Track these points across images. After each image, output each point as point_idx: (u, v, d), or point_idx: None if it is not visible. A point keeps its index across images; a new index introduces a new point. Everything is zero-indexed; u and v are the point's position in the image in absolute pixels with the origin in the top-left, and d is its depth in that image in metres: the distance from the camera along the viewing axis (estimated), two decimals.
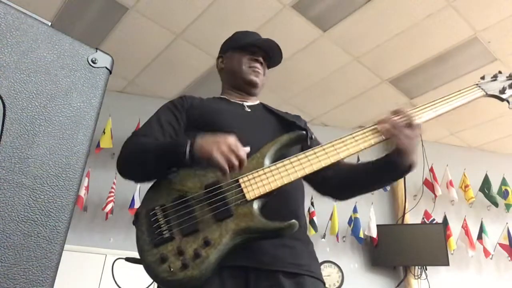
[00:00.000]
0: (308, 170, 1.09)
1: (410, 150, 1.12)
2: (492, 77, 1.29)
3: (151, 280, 1.00)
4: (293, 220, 1.00)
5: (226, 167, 0.97)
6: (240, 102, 1.36)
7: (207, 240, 0.98)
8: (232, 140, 1.00)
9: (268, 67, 1.43)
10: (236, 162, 0.99)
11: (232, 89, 1.40)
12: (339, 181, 1.27)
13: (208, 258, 0.96)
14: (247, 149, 1.03)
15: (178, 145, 1.04)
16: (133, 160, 1.16)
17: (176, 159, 1.05)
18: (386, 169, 1.19)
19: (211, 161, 0.98)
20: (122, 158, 1.17)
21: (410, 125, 1.12)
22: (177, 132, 1.24)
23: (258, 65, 1.36)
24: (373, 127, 1.16)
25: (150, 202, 1.08)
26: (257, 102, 1.41)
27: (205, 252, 0.96)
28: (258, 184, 1.06)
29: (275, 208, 1.08)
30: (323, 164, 1.09)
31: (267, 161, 1.11)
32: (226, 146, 0.99)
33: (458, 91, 1.23)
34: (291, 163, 1.09)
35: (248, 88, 1.37)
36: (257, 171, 1.08)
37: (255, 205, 1.03)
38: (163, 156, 1.08)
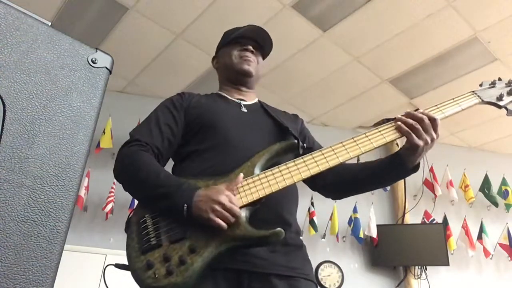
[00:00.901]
0: (296, 178, 1.09)
1: (422, 152, 1.11)
2: (490, 84, 1.27)
3: None
4: (278, 229, 1.00)
5: (224, 227, 0.99)
6: (237, 100, 1.35)
7: (192, 248, 0.99)
8: (224, 198, 1.00)
9: (263, 57, 1.42)
10: (231, 220, 1.00)
11: (228, 83, 1.40)
12: (337, 181, 1.27)
13: (193, 265, 0.96)
14: (237, 208, 1.02)
15: (176, 206, 1.02)
16: (129, 185, 1.15)
17: (172, 214, 1.04)
18: (393, 167, 1.17)
19: (209, 223, 0.99)
20: (118, 173, 1.17)
21: (433, 124, 1.10)
22: (175, 134, 1.24)
23: (248, 53, 1.35)
24: (358, 137, 1.13)
25: (141, 210, 1.09)
26: (255, 100, 1.40)
27: (190, 259, 0.97)
28: (246, 192, 1.06)
29: (265, 216, 1.08)
30: (312, 172, 1.09)
31: (257, 170, 1.11)
32: (220, 205, 1.00)
33: (452, 99, 1.20)
34: (280, 171, 1.09)
35: (243, 78, 1.36)
36: (246, 180, 1.08)
37: (243, 214, 1.03)
38: (158, 203, 1.06)
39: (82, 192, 3.42)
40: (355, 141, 1.13)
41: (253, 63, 1.36)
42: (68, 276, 3.00)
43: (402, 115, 1.12)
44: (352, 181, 1.27)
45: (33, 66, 0.66)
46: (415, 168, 1.16)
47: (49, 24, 0.70)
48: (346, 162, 1.16)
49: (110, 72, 0.75)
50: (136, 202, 3.55)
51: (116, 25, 3.30)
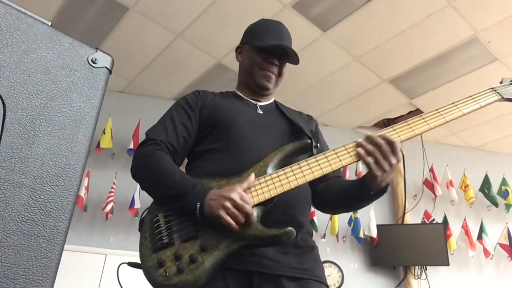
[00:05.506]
0: (309, 178, 1.07)
1: (383, 179, 1.08)
2: (510, 81, 1.23)
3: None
4: (290, 228, 0.99)
5: (234, 226, 0.98)
6: (253, 101, 1.34)
7: (203, 246, 0.99)
8: (235, 195, 0.99)
9: (289, 62, 1.37)
10: (242, 220, 0.99)
11: (246, 86, 1.38)
12: (326, 196, 1.26)
13: (203, 264, 0.96)
14: (249, 206, 1.01)
15: (189, 205, 1.03)
16: (145, 185, 1.16)
17: (185, 213, 1.05)
18: (360, 191, 1.16)
19: (219, 222, 0.99)
20: (134, 174, 1.17)
21: (392, 152, 1.07)
22: (190, 132, 1.24)
23: (272, 68, 1.32)
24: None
25: (155, 209, 1.10)
26: (271, 100, 1.40)
27: (200, 258, 0.97)
28: (258, 191, 1.05)
29: (277, 216, 1.07)
30: (324, 171, 1.08)
31: (269, 170, 1.10)
32: (231, 203, 0.99)
33: (469, 96, 1.17)
34: (292, 170, 1.08)
35: (259, 90, 1.35)
36: (258, 179, 1.07)
37: (254, 213, 1.03)
38: (172, 203, 1.07)
39: (82, 192, 3.43)
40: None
41: (273, 79, 1.33)
42: (68, 276, 3.00)
43: (363, 140, 1.09)
44: (336, 200, 1.27)
45: (33, 66, 0.66)
46: (383, 190, 1.13)
47: (49, 24, 0.70)
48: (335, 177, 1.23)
49: (110, 72, 0.75)
50: (136, 202, 3.55)
51: (116, 25, 3.30)
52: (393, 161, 1.06)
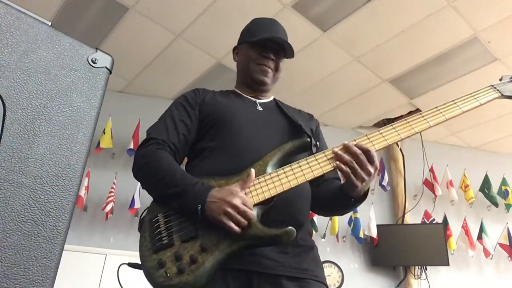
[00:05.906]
0: (308, 177, 1.07)
1: (363, 188, 1.09)
2: (510, 78, 1.23)
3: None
4: (290, 227, 0.99)
5: (236, 230, 0.99)
6: (253, 98, 1.34)
7: (204, 247, 0.99)
8: (237, 200, 1.00)
9: (285, 57, 1.36)
10: (244, 223, 0.99)
11: (244, 84, 1.38)
12: (317, 199, 1.27)
13: (204, 264, 0.96)
14: (251, 211, 1.01)
15: (188, 206, 1.03)
16: (146, 184, 1.16)
17: (185, 214, 1.05)
18: (342, 199, 1.17)
19: (222, 226, 0.99)
20: (136, 173, 1.18)
21: (368, 156, 1.07)
22: (190, 130, 1.24)
23: (267, 62, 1.31)
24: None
25: (154, 209, 1.10)
26: (271, 98, 1.39)
27: (201, 258, 0.97)
28: (257, 191, 1.05)
29: (277, 216, 1.07)
30: (324, 170, 1.08)
31: (269, 169, 1.10)
32: (234, 209, 0.99)
33: (469, 94, 1.17)
34: (291, 169, 1.08)
35: (257, 86, 1.35)
36: (257, 179, 1.07)
37: (254, 212, 1.03)
38: (172, 202, 1.07)
39: (82, 192, 3.43)
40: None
41: (269, 72, 1.33)
42: (68, 276, 3.00)
43: (340, 149, 1.09)
44: (325, 205, 1.27)
45: (33, 66, 0.66)
46: (364, 196, 1.15)
47: (49, 24, 0.70)
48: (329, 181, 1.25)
49: (110, 72, 0.75)
50: (136, 202, 3.56)
51: (116, 25, 3.30)
52: (371, 169, 1.06)
